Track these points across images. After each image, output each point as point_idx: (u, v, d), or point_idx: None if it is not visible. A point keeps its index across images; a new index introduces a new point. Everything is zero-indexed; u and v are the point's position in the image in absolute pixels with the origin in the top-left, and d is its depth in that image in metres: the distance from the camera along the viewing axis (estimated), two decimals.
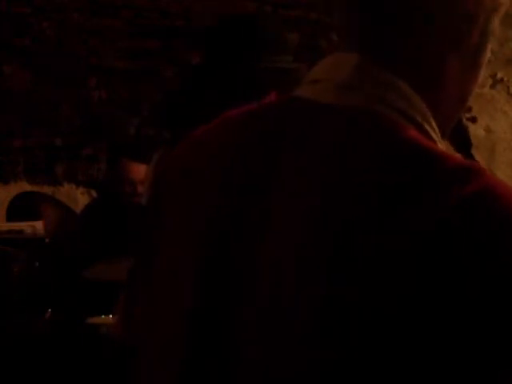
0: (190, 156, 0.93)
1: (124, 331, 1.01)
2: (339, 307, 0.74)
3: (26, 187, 4.38)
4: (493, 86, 4.78)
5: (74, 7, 4.45)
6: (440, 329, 0.71)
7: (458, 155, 0.83)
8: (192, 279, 0.86)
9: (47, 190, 4.37)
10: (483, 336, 0.71)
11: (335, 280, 0.74)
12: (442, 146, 0.87)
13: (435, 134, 0.86)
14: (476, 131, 4.57)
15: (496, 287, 0.72)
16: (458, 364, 0.71)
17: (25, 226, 3.34)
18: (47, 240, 3.07)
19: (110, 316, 2.90)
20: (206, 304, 0.84)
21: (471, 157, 1.30)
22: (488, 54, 0.92)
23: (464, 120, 1.25)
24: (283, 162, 0.83)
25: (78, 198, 4.48)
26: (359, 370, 0.73)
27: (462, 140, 1.25)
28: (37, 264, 2.92)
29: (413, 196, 0.75)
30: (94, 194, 4.39)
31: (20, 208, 3.69)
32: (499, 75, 4.80)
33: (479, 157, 4.53)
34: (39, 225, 3.31)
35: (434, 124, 0.86)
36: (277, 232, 0.80)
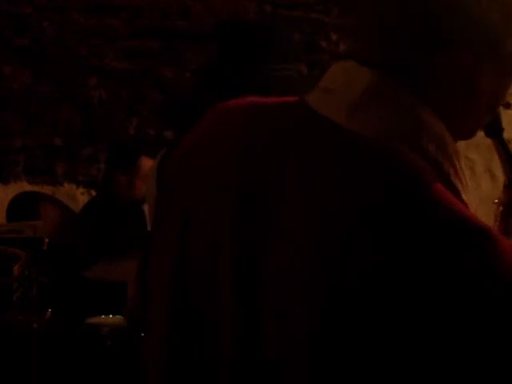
0: (198, 154, 0.93)
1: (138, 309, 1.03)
2: (338, 318, 0.74)
3: (26, 187, 4.38)
4: None
5: (74, 7, 4.45)
6: (429, 343, 0.72)
7: (474, 215, 0.80)
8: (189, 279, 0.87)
9: (47, 189, 4.37)
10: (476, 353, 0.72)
11: (334, 292, 0.75)
12: (456, 177, 0.84)
13: (450, 167, 0.83)
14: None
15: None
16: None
17: (25, 225, 3.33)
18: (47, 240, 3.07)
19: (110, 316, 2.90)
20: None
21: (503, 142, 1.26)
22: None
23: None
24: (287, 170, 0.83)
25: (78, 197, 4.48)
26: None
27: (493, 125, 1.22)
28: (37, 264, 2.92)
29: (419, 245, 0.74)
30: (94, 193, 4.39)
31: (20, 208, 3.69)
32: None
33: (479, 157, 4.53)
34: (39, 225, 3.31)
35: (450, 149, 0.83)
36: (279, 239, 0.80)
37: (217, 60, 2.14)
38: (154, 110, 4.49)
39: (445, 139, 0.83)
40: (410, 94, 0.83)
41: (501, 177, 1.30)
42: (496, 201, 1.29)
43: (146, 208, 3.45)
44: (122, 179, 3.72)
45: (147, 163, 3.51)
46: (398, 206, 0.76)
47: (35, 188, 4.35)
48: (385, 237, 0.74)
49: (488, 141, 1.26)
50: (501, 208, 1.29)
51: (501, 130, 1.23)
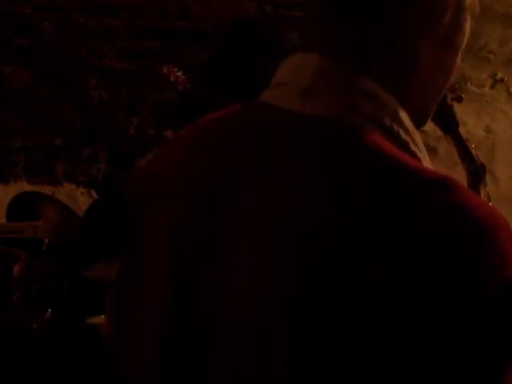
0: (166, 162, 0.94)
1: (113, 335, 1.02)
2: (310, 322, 0.75)
3: (26, 187, 4.37)
4: (493, 86, 4.77)
5: (74, 7, 4.45)
6: (407, 342, 0.73)
7: (429, 167, 0.82)
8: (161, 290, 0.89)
9: (47, 189, 4.37)
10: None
11: (305, 295, 0.75)
12: (415, 146, 0.85)
13: (406, 135, 0.85)
14: (476, 131, 4.57)
15: (469, 306, 0.72)
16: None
17: (25, 225, 3.33)
18: (47, 240, 3.07)
19: None
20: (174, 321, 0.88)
21: (460, 137, 1.27)
22: (467, 34, 0.89)
23: (449, 99, 1.22)
24: (247, 172, 0.84)
25: (78, 197, 4.48)
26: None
27: (447, 120, 1.23)
28: (37, 264, 2.92)
29: (383, 212, 0.74)
30: (94, 194, 4.39)
31: (20, 208, 3.69)
32: (499, 75, 4.79)
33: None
34: (39, 225, 3.30)
35: (405, 121, 0.85)
36: (244, 241, 0.81)
37: (219, 60, 2.15)
38: (154, 110, 4.49)
39: (398, 112, 0.84)
40: (359, 74, 0.83)
41: (502, 177, 1.31)
42: None
43: None
44: (122, 179, 3.72)
45: None
46: (365, 183, 0.76)
47: (35, 188, 4.34)
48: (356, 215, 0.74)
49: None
50: None
51: (456, 125, 1.24)
